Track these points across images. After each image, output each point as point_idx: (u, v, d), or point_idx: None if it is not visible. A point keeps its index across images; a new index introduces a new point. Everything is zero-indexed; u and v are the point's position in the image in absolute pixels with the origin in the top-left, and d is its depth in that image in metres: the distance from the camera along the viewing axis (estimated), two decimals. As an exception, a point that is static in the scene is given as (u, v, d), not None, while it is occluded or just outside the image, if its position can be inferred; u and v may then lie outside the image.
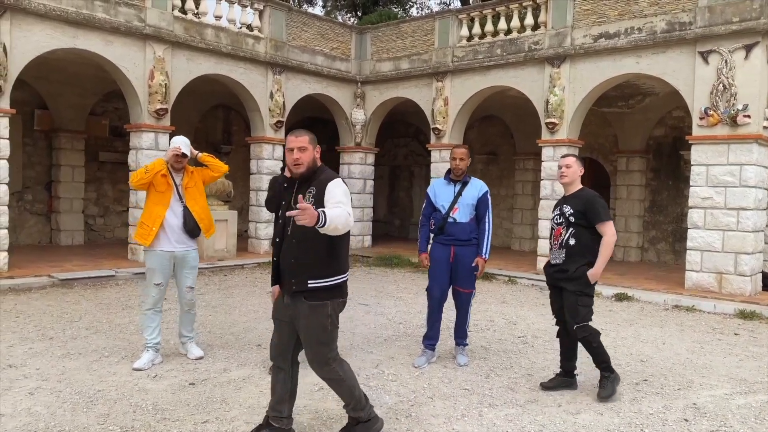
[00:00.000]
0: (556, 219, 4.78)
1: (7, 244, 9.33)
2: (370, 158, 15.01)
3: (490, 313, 8.12)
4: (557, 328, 5.02)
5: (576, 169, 4.71)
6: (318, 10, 24.63)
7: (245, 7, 12.39)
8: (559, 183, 4.81)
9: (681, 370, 5.68)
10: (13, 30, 9.10)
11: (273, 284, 3.72)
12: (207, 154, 5.63)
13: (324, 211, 3.05)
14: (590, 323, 4.64)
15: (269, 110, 12.63)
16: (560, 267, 4.69)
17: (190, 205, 5.35)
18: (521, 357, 5.99)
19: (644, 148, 13.77)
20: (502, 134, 16.29)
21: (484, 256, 5.47)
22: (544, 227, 11.38)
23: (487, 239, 5.47)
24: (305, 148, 3.40)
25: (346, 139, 14.82)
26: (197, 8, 11.55)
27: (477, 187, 5.52)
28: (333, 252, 3.44)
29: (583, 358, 4.96)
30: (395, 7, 22.14)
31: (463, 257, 5.46)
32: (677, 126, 13.31)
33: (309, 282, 3.41)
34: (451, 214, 5.47)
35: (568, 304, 4.64)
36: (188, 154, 5.28)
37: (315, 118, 16.44)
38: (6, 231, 9.31)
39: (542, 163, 11.52)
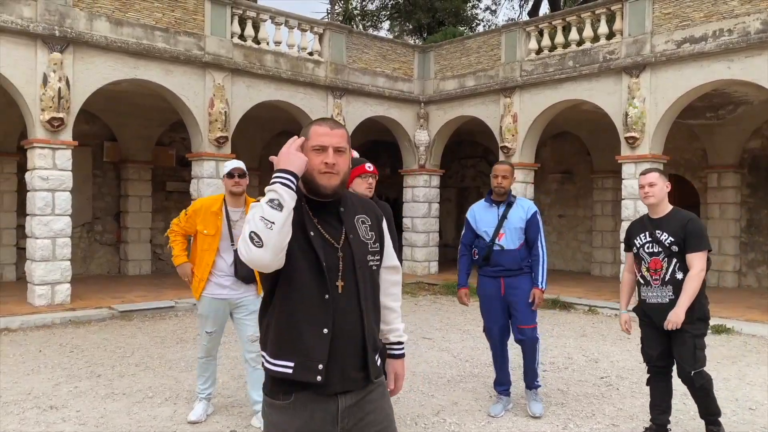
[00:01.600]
0: (648, 247, 4.00)
1: (69, 276, 9.34)
2: (435, 180, 14.44)
3: (569, 349, 7.31)
4: (644, 371, 4.33)
5: (662, 186, 3.98)
6: (383, 34, 24.57)
7: (305, 31, 12.22)
8: (645, 203, 4.07)
9: (803, 423, 4.74)
10: (76, 63, 9.21)
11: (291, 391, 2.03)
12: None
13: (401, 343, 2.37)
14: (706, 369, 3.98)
15: (331, 134, 12.33)
16: (670, 307, 3.90)
17: None
18: (605, 402, 5.22)
19: (738, 162, 12.53)
20: (578, 152, 15.36)
21: (540, 287, 4.72)
22: (627, 251, 10.40)
23: (542, 267, 4.73)
24: (344, 149, 2.05)
25: (410, 161, 14.33)
26: (256, 34, 11.45)
27: (524, 207, 4.79)
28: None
29: (679, 404, 4.20)
30: (461, 27, 21.66)
31: (516, 289, 4.73)
32: (776, 137, 12.04)
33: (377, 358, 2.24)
34: (496, 241, 4.74)
35: (685, 348, 3.90)
36: (245, 170, 4.45)
37: (377, 141, 16.08)
38: (69, 263, 9.33)
39: (623, 182, 10.59)
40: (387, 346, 2.30)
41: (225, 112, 10.64)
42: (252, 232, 1.84)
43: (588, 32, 11.18)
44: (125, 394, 5.32)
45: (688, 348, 3.88)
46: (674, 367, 4.08)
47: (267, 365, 2.03)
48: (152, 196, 13.69)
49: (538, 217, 4.80)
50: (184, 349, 7.01)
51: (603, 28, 10.98)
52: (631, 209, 10.36)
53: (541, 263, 4.72)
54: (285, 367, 1.97)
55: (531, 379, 4.92)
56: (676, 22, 9.91)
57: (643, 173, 4.05)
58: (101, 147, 13.26)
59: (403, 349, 2.35)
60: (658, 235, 3.93)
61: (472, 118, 13.29)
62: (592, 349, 7.30)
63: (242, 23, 11.38)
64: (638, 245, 4.04)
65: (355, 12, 22.38)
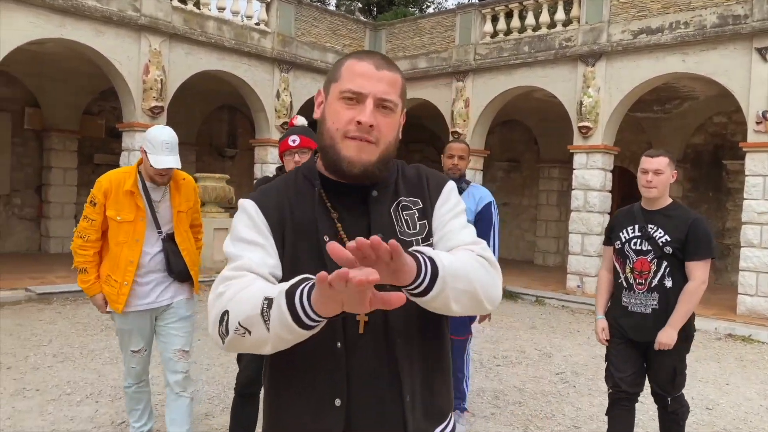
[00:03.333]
0: (635, 243, 3.25)
1: (-20, 253, 8.43)
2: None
3: (520, 342, 7.10)
4: (599, 367, 3.73)
5: (668, 176, 3.22)
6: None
7: (251, -1, 11.50)
8: (643, 194, 3.27)
9: (758, 423, 4.65)
10: (-8, 17, 8.25)
11: None
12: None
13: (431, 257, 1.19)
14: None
15: (275, 110, 11.70)
16: (653, 320, 3.20)
17: (180, 240, 3.35)
18: (563, 402, 4.99)
19: (681, 157, 12.68)
20: (526, 140, 15.27)
21: None
22: (576, 242, 10.33)
23: None
24: (392, 105, 1.32)
25: (358, 143, 13.84)
26: (198, -2, 10.67)
27: (476, 197, 3.98)
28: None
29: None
30: (411, 8, 21.22)
31: None
32: (719, 133, 12.24)
33: None
34: None
35: (663, 373, 3.24)
36: (179, 167, 3.24)
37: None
38: (-21, 239, 8.41)
39: (574, 172, 10.48)
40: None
41: (161, 79, 9.85)
42: (223, 315, 1.18)
43: (545, 18, 10.97)
44: (39, 390, 4.72)
45: (667, 373, 3.24)
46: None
47: None
48: (78, 168, 12.66)
49: (493, 209, 4.02)
50: (109, 337, 6.36)
51: (560, 15, 10.79)
52: (581, 200, 10.27)
53: None
54: None
55: (458, 399, 4.10)
56: (634, 12, 9.80)
57: (649, 155, 3.26)
58: (22, 113, 12.13)
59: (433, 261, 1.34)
60: (651, 231, 3.21)
61: (423, 101, 12.91)
62: (543, 343, 7.12)
63: (183, -15, 10.57)
64: (623, 239, 3.30)
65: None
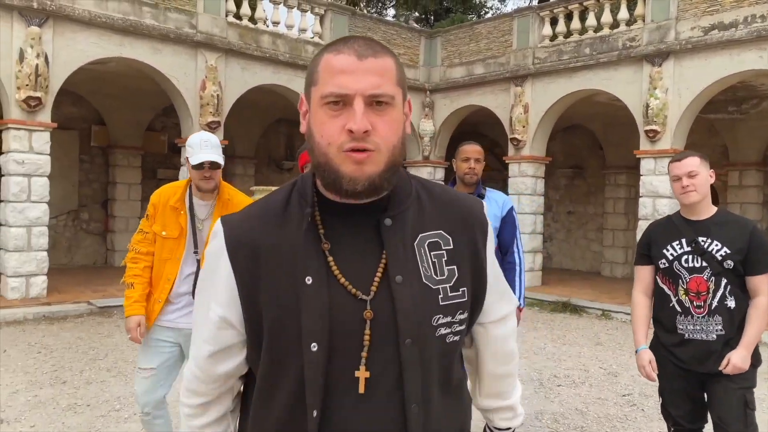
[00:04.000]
0: (687, 261, 2.81)
1: (46, 267, 8.71)
2: (440, 173, 13.77)
3: (584, 360, 6.67)
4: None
5: (706, 177, 2.80)
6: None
7: (305, 11, 11.52)
8: (681, 202, 2.85)
9: None
10: (56, 38, 8.54)
11: None
12: None
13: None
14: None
15: (330, 122, 11.65)
16: (720, 347, 2.75)
17: None
18: (630, 427, 4.62)
19: (761, 160, 11.85)
20: (589, 146, 14.67)
21: (519, 305, 3.61)
22: (644, 252, 9.75)
23: (520, 278, 3.63)
24: (388, 98, 1.06)
25: (414, 153, 13.66)
26: (253, 14, 10.76)
27: (498, 202, 3.67)
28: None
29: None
30: (469, 14, 20.93)
31: None
32: (802, 133, 11.36)
33: None
34: None
35: (730, 407, 2.75)
36: (220, 161, 3.05)
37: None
38: (45, 254, 8.69)
39: (641, 178, 9.91)
40: None
41: (217, 95, 9.97)
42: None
43: (606, 18, 10.48)
44: (89, 405, 4.73)
45: (736, 406, 2.72)
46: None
47: None
48: (142, 183, 13.01)
49: (515, 214, 3.74)
50: (162, 352, 6.38)
51: (623, 14, 10.29)
52: (650, 207, 9.70)
53: (517, 273, 3.63)
54: None
55: None
56: (704, 7, 9.20)
57: (677, 159, 2.84)
58: (89, 131, 12.60)
59: None
60: (704, 245, 2.76)
61: (479, 107, 12.60)
62: (609, 361, 6.67)
63: (238, 1, 10.70)
64: (670, 257, 2.84)
65: (360, -3, 21.62)
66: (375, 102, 1.03)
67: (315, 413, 1.03)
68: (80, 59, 8.82)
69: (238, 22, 10.52)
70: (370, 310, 1.05)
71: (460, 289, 1.12)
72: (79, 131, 12.41)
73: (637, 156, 10.00)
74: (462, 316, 1.12)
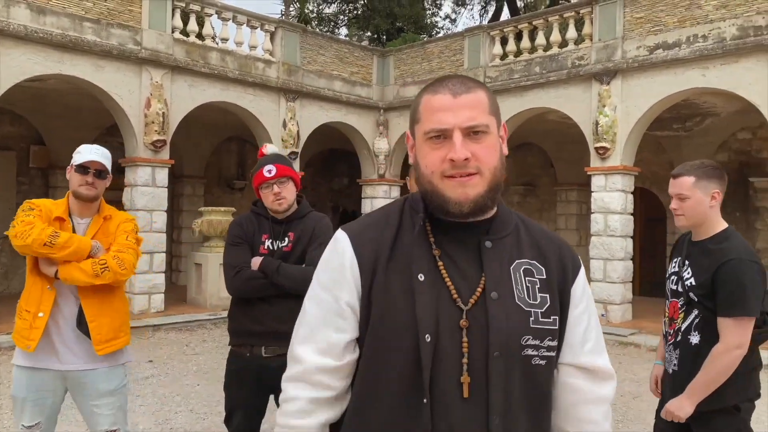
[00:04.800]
0: (672, 281, 2.61)
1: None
2: (395, 191, 13.68)
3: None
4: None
5: (699, 200, 2.46)
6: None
7: (255, 28, 11.32)
8: (675, 224, 2.63)
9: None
10: (-12, 54, 8.10)
11: None
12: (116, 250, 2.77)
13: None
14: None
15: (282, 140, 11.43)
16: (671, 385, 2.56)
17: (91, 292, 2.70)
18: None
19: (705, 175, 12.16)
20: (542, 164, 14.84)
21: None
22: (598, 268, 9.82)
23: None
24: (483, 128, 1.23)
25: (369, 171, 13.54)
26: (201, 30, 10.50)
27: None
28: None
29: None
30: (420, 34, 21.07)
31: None
32: (744, 150, 11.74)
33: None
34: None
35: None
36: (108, 171, 2.78)
37: (335, 149, 15.24)
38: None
39: (592, 194, 10.01)
40: None
41: (163, 112, 9.63)
42: None
43: (556, 37, 10.64)
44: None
45: None
46: None
47: None
48: (85, 205, 12.47)
49: None
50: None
51: (572, 33, 10.46)
52: (602, 223, 9.79)
53: None
54: None
55: None
56: (649, 27, 9.43)
57: (673, 174, 2.56)
58: (27, 151, 12.02)
59: None
60: (683, 269, 2.55)
61: (433, 126, 12.59)
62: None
63: (185, 17, 10.42)
64: (668, 273, 2.67)
65: (311, 16, 21.52)
66: (472, 132, 1.19)
67: (425, 400, 1.12)
68: (15, 76, 8.37)
69: (184, 38, 10.23)
70: (466, 319, 1.16)
71: (552, 317, 1.21)
72: (17, 152, 11.84)
73: (588, 173, 10.11)
74: (551, 343, 1.20)
